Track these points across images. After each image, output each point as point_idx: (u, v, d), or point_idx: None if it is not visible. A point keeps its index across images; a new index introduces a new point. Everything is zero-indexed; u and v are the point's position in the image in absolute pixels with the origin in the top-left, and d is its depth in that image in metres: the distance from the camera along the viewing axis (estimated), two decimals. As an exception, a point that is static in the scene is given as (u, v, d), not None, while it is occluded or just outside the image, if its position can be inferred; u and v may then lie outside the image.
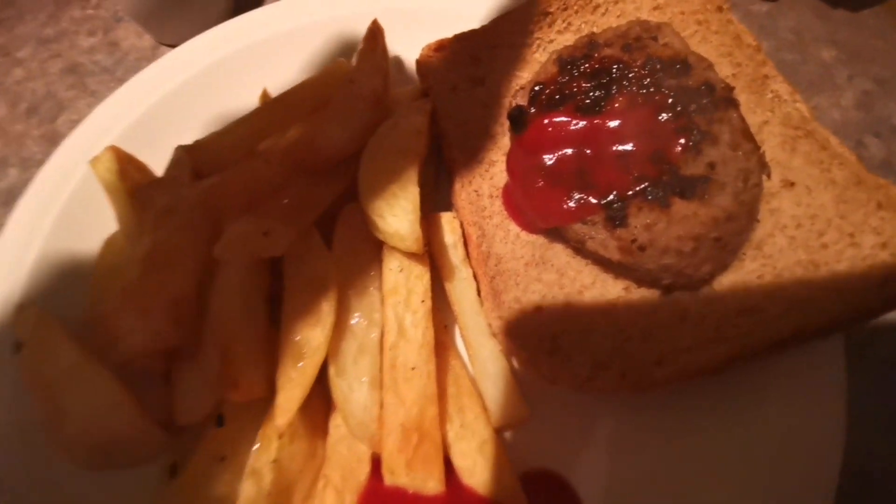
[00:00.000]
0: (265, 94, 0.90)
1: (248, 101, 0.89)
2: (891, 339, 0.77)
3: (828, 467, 0.58)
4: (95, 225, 0.78)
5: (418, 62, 0.85)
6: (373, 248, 0.70)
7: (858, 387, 0.73)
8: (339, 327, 0.64)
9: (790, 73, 0.92)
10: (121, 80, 1.12)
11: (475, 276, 0.72)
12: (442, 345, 0.68)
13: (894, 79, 1.11)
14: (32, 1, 1.33)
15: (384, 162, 0.68)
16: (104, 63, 1.17)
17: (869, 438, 0.71)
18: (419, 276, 0.67)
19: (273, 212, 0.67)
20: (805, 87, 1.08)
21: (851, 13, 1.16)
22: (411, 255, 0.68)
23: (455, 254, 0.72)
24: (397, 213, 0.63)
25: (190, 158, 0.65)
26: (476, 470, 0.59)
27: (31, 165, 1.04)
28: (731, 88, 0.62)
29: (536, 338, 0.65)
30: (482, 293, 0.71)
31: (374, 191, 0.65)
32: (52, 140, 1.06)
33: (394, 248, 0.69)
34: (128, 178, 0.75)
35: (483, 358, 0.66)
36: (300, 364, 0.60)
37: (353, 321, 0.65)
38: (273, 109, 0.77)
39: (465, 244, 0.74)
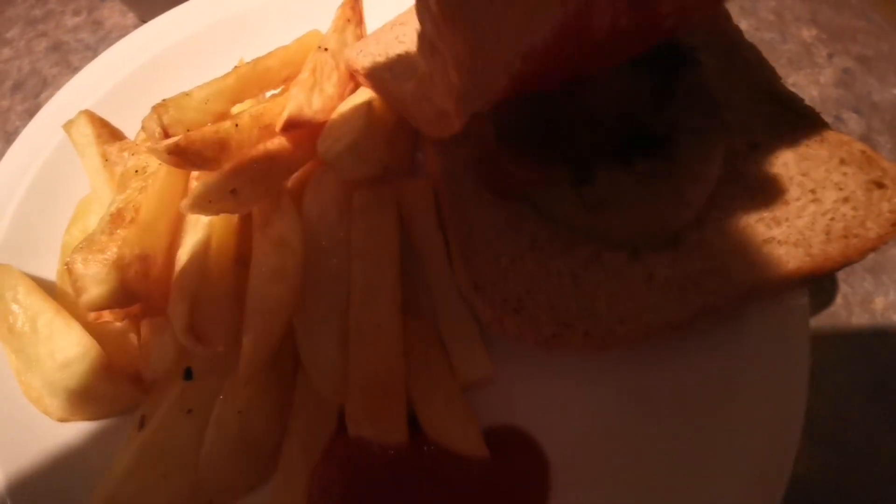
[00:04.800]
0: (242, 64, 0.90)
1: (224, 71, 0.89)
2: (866, 311, 0.77)
3: (791, 419, 0.58)
4: (71, 189, 0.79)
5: None
6: (341, 211, 0.71)
7: (835, 358, 0.74)
8: (307, 286, 0.65)
9: (769, 52, 0.92)
10: (104, 57, 1.14)
11: (446, 240, 0.72)
12: (410, 307, 0.68)
13: (876, 57, 1.11)
14: (21, -17, 1.34)
15: (349, 113, 0.69)
16: (88, 41, 1.17)
17: (846, 406, 0.72)
18: (388, 239, 0.68)
19: (241, 173, 0.68)
20: (784, 65, 1.08)
21: None
22: (381, 218, 0.68)
23: (426, 219, 0.73)
24: (345, 139, 0.64)
25: (157, 117, 0.66)
26: (440, 423, 0.60)
27: (14, 139, 1.03)
28: (694, 48, 0.63)
29: (502, 297, 0.65)
30: (452, 255, 0.71)
31: (342, 134, 0.66)
32: (35, 114, 1.06)
33: (363, 211, 0.69)
34: (101, 141, 0.75)
35: (451, 317, 0.67)
36: (267, 319, 0.60)
37: (320, 280, 0.66)
38: (244, 76, 0.77)
39: (437, 209, 0.74)
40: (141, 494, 0.57)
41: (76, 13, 1.23)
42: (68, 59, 1.15)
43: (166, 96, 0.85)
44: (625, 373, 0.64)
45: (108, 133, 0.78)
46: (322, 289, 0.65)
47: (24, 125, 1.06)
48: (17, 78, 1.13)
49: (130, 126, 0.83)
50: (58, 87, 1.10)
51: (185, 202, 0.63)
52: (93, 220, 0.74)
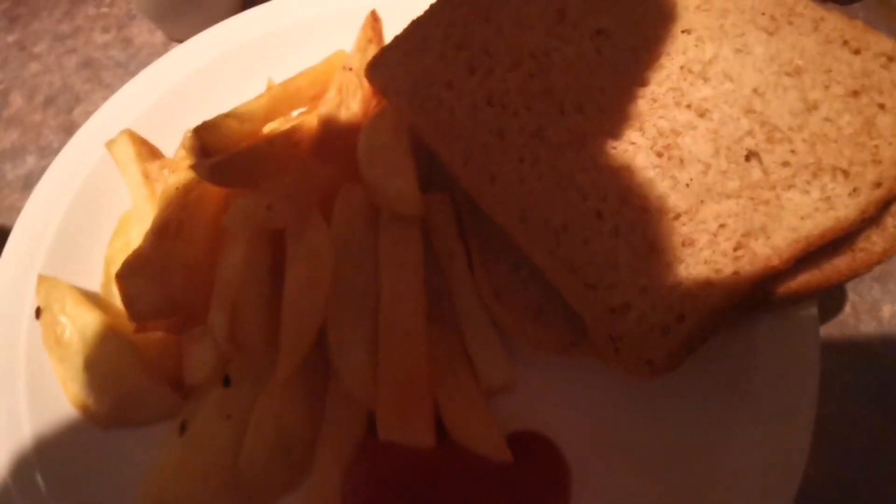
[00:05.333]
0: (271, 84, 0.95)
1: (254, 91, 0.94)
2: (873, 315, 0.80)
3: (802, 424, 0.61)
4: (111, 205, 0.83)
5: None
6: (368, 224, 0.74)
7: (843, 360, 0.76)
8: (337, 296, 0.68)
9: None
10: (133, 74, 1.18)
11: (467, 249, 0.76)
12: (434, 315, 0.72)
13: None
14: None
15: (381, 138, 0.73)
16: (118, 58, 1.22)
17: (853, 408, 0.74)
18: (413, 249, 0.71)
19: (276, 189, 0.72)
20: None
21: (840, 6, 1.19)
22: (405, 230, 0.72)
23: (448, 230, 0.76)
24: (397, 180, 0.68)
25: (198, 138, 0.70)
26: (464, 428, 0.63)
27: (48, 153, 1.09)
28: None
29: (523, 305, 0.68)
30: (474, 265, 0.75)
31: (374, 163, 0.70)
32: (69, 130, 1.12)
33: (389, 223, 0.73)
34: (142, 159, 0.80)
35: (473, 325, 0.70)
36: (300, 326, 0.64)
37: (350, 290, 0.69)
38: (276, 96, 0.81)
39: (459, 219, 0.78)
40: (184, 493, 0.60)
41: (105, 30, 1.28)
42: (100, 75, 1.20)
43: (199, 115, 0.90)
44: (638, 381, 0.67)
45: (148, 151, 0.82)
46: (352, 297, 0.69)
47: (58, 140, 1.12)
48: (49, 93, 1.18)
49: (165, 143, 0.88)
50: (90, 103, 1.16)
51: (225, 218, 0.67)
52: (134, 234, 0.78)
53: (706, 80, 0.61)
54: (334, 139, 0.77)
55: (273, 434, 0.62)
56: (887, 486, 0.70)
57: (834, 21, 0.61)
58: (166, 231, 0.67)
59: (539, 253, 0.61)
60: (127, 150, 0.80)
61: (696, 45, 0.64)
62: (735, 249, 0.54)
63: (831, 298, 0.80)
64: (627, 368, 0.56)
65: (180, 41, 1.22)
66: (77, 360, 0.67)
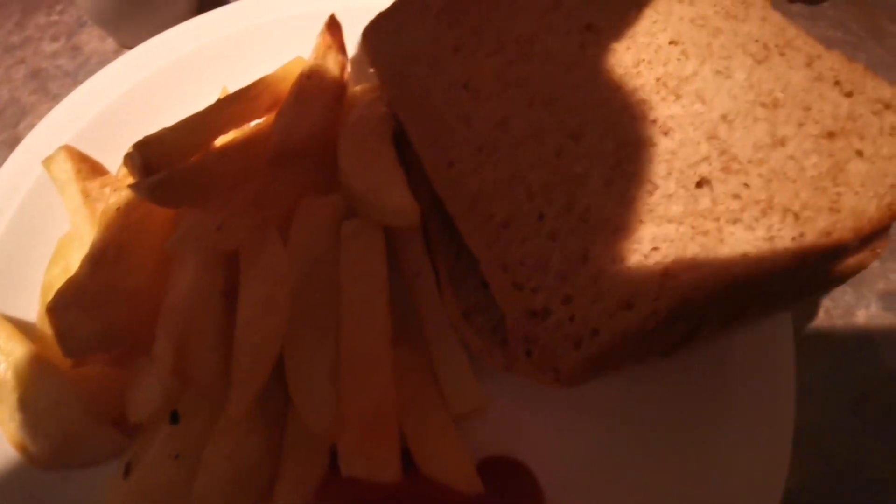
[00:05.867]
0: (225, 92, 0.90)
1: (207, 100, 0.89)
2: (850, 323, 0.78)
3: (781, 434, 0.59)
4: (51, 227, 0.78)
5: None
6: (329, 241, 0.70)
7: (820, 370, 0.75)
8: (296, 319, 0.64)
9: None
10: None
11: (434, 266, 0.72)
12: (400, 334, 0.68)
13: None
14: (1, 9, 1.32)
15: (364, 149, 0.70)
16: (66, 67, 1.16)
17: (832, 418, 0.73)
18: (377, 269, 0.67)
19: (227, 207, 0.67)
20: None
21: (809, 6, 1.18)
22: (369, 246, 0.68)
23: (414, 245, 0.73)
24: (390, 191, 0.65)
25: (140, 153, 0.65)
26: (433, 458, 0.59)
27: (-10, 171, 1.02)
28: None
29: (491, 326, 0.65)
30: (441, 282, 0.71)
31: (363, 176, 0.68)
32: (13, 145, 1.03)
33: (351, 238, 0.69)
34: (82, 177, 0.74)
35: (441, 347, 0.66)
36: (255, 355, 0.59)
37: (309, 312, 0.65)
38: (229, 105, 0.76)
39: (425, 234, 0.74)
40: (130, 543, 0.56)
41: (54, 39, 1.22)
42: (47, 86, 1.13)
43: (148, 126, 0.84)
44: (615, 397, 0.64)
45: (89, 168, 0.77)
46: (311, 321, 0.65)
47: (3, 156, 1.04)
48: (-5, 107, 1.11)
49: (112, 158, 0.82)
50: (37, 116, 1.09)
51: (170, 241, 0.62)
52: (74, 259, 0.72)
53: (678, 97, 0.59)
54: (294, 150, 0.73)
55: (227, 474, 0.58)
56: (867, 495, 0.69)
57: (832, 61, 0.57)
58: (104, 256, 0.62)
59: (478, 245, 0.60)
60: (65, 167, 0.75)
61: (679, 59, 0.61)
62: (662, 275, 0.51)
63: (804, 304, 0.79)
64: (534, 374, 0.54)
65: (131, 48, 1.16)
66: (12, 399, 0.61)
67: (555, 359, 0.54)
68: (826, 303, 0.79)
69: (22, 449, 0.62)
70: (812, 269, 0.53)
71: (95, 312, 0.58)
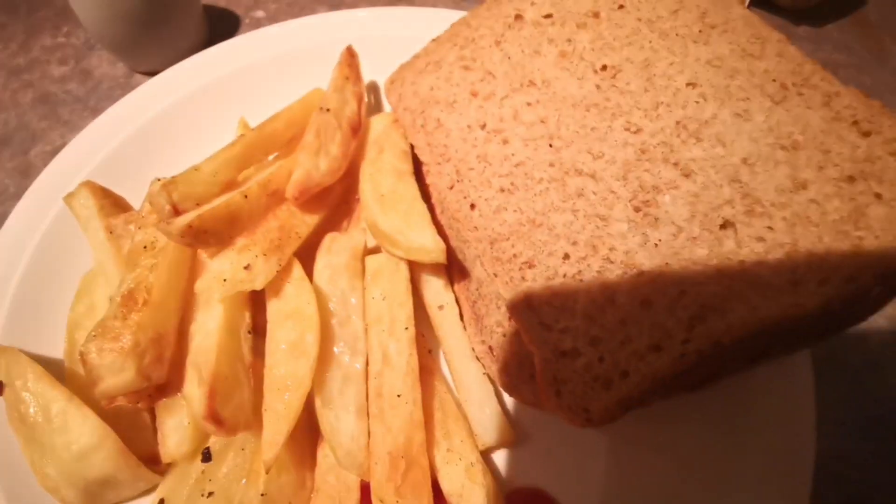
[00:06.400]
0: (243, 123, 0.90)
1: (225, 129, 0.90)
2: (860, 348, 0.80)
3: (802, 470, 0.60)
4: (72, 262, 0.78)
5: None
6: (354, 277, 0.71)
7: (833, 396, 0.76)
8: (323, 358, 0.65)
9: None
10: (94, 110, 1.12)
11: (457, 301, 0.73)
12: (427, 369, 0.69)
13: (859, 89, 1.16)
14: (2, 30, 1.31)
15: (386, 185, 0.71)
16: (76, 92, 1.16)
17: (845, 444, 0.74)
18: (402, 304, 0.68)
19: (253, 245, 0.68)
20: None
21: (815, 28, 1.20)
22: (395, 284, 0.69)
23: (437, 281, 0.74)
24: (416, 229, 0.67)
25: (166, 194, 0.65)
26: (464, 493, 0.60)
27: (4, 199, 1.02)
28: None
29: (517, 363, 0.67)
30: (465, 317, 0.72)
31: (387, 213, 0.69)
32: (25, 172, 1.05)
33: (376, 277, 0.70)
34: (105, 213, 0.75)
35: (468, 382, 0.68)
36: (285, 396, 0.60)
37: (336, 351, 0.66)
38: (250, 142, 0.77)
39: (449, 271, 0.76)
40: (167, 585, 0.56)
41: (62, 62, 1.21)
42: (57, 111, 1.13)
43: (168, 156, 0.86)
44: (639, 431, 0.65)
45: (111, 203, 0.77)
46: (338, 359, 0.66)
47: (14, 184, 1.05)
48: (4, 132, 1.11)
49: (133, 189, 0.83)
50: (48, 143, 1.09)
51: (199, 283, 0.63)
52: (98, 296, 0.73)
53: (699, 140, 0.60)
54: (314, 186, 0.74)
55: (260, 513, 0.58)
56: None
57: (849, 98, 0.59)
58: (133, 299, 0.62)
59: (503, 284, 0.61)
60: (87, 203, 0.75)
61: (698, 102, 0.62)
62: (691, 319, 0.53)
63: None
64: (564, 413, 0.55)
65: (144, 72, 1.17)
66: (44, 441, 0.62)
67: (585, 400, 0.55)
68: (837, 329, 0.81)
69: (54, 491, 0.63)
70: (836, 313, 0.54)
71: (129, 356, 0.59)
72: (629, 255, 0.58)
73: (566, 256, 0.60)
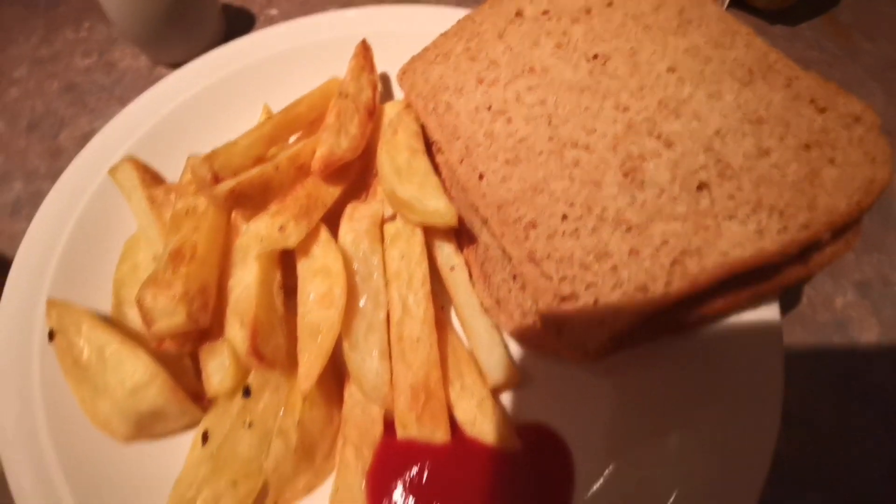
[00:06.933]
0: (267, 109, 0.99)
1: (250, 115, 0.98)
2: (828, 307, 0.90)
3: (771, 406, 0.68)
4: (113, 229, 0.85)
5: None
6: (374, 241, 0.79)
7: (802, 350, 0.86)
8: (349, 309, 0.73)
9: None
10: (119, 99, 1.20)
11: (466, 263, 0.82)
12: (440, 323, 0.77)
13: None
14: (22, 24, 1.38)
15: (402, 160, 0.79)
16: (102, 82, 1.23)
17: (813, 392, 0.83)
18: (418, 264, 0.77)
19: (285, 210, 0.76)
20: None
21: (790, 28, 1.27)
22: (412, 246, 0.78)
23: (448, 245, 0.82)
24: (431, 197, 0.75)
25: (209, 164, 0.73)
26: (476, 423, 0.69)
27: (35, 178, 1.09)
28: None
29: (522, 312, 0.75)
30: (473, 277, 0.81)
31: (404, 183, 0.77)
32: (56, 154, 1.12)
33: (395, 240, 0.79)
34: (146, 185, 0.82)
35: (477, 331, 0.76)
36: (318, 339, 0.68)
37: (361, 304, 0.74)
38: (278, 123, 0.85)
39: (458, 238, 0.84)
40: (213, 500, 0.63)
41: (86, 55, 1.29)
42: (84, 99, 1.20)
43: (196, 139, 0.94)
44: (630, 375, 0.74)
45: (150, 177, 0.85)
46: (362, 310, 0.74)
47: (45, 165, 1.12)
48: (32, 118, 1.18)
49: (164, 167, 0.91)
50: (76, 127, 1.16)
51: (240, 240, 0.71)
52: (141, 258, 0.80)
53: (678, 116, 0.70)
54: (337, 160, 0.82)
55: (296, 439, 0.66)
56: (848, 460, 0.79)
57: (808, 81, 0.68)
58: (182, 255, 0.70)
59: (508, 242, 0.71)
60: (130, 175, 0.83)
61: (677, 85, 0.72)
62: (672, 264, 0.62)
63: (788, 294, 0.90)
64: (565, 350, 0.65)
65: (165, 65, 1.24)
66: (97, 381, 0.68)
67: (583, 337, 0.64)
68: (808, 291, 0.91)
69: (105, 426, 0.70)
70: (796, 256, 0.64)
71: (179, 300, 0.66)
72: (619, 213, 0.67)
73: (564, 217, 0.70)
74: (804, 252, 0.65)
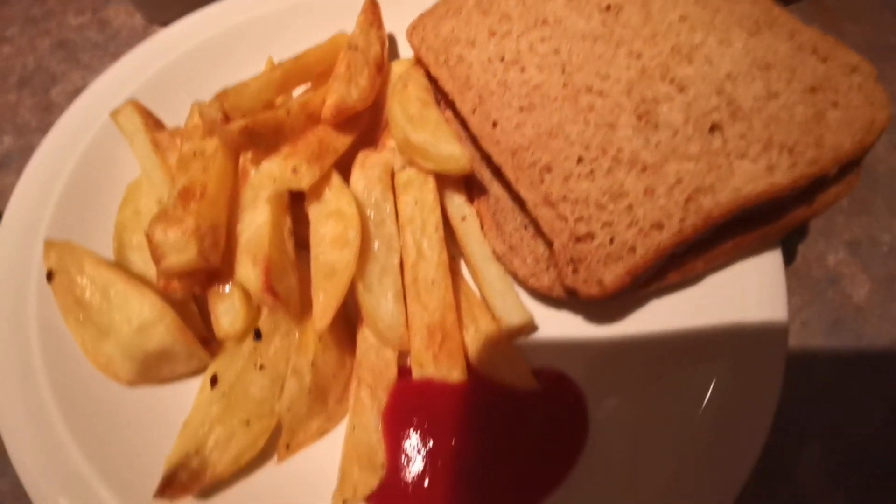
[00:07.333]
0: (271, 62, 0.97)
1: (253, 69, 0.96)
2: (821, 264, 0.92)
3: (776, 354, 0.69)
4: (112, 174, 0.83)
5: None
6: (386, 189, 0.79)
7: (797, 302, 0.88)
8: (363, 253, 0.72)
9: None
10: (114, 55, 1.16)
11: (478, 214, 0.82)
12: (451, 272, 0.77)
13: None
14: (12, -17, 1.33)
15: (413, 111, 0.79)
16: (95, 39, 1.19)
17: (810, 342, 0.86)
18: (432, 210, 0.76)
19: (297, 153, 0.74)
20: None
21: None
22: (424, 193, 0.77)
23: (458, 196, 0.82)
24: (445, 142, 0.75)
25: (220, 103, 0.72)
26: (492, 364, 0.68)
27: (26, 132, 1.05)
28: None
29: (535, 258, 0.76)
30: (484, 227, 0.81)
31: (417, 130, 0.76)
32: (47, 109, 1.08)
33: (407, 186, 0.78)
34: (150, 128, 0.80)
35: (490, 278, 0.76)
36: (333, 278, 0.67)
37: (374, 248, 0.73)
38: (287, 71, 0.83)
39: (468, 191, 0.84)
40: (226, 440, 0.62)
41: (79, 13, 1.25)
42: (77, 56, 1.16)
43: (196, 91, 0.91)
44: (641, 319, 0.74)
45: (154, 122, 0.82)
46: (376, 254, 0.73)
47: (36, 119, 1.08)
48: (23, 74, 1.14)
49: (164, 117, 0.88)
50: (69, 83, 1.13)
51: (253, 179, 0.69)
52: (144, 203, 0.78)
53: (690, 61, 0.71)
54: (348, 109, 0.81)
55: (310, 379, 0.65)
56: (846, 409, 0.81)
57: (809, 34, 0.71)
58: (192, 192, 0.68)
59: (523, 187, 0.72)
60: (133, 119, 0.80)
61: (688, 32, 0.74)
62: (686, 201, 0.64)
63: (785, 252, 0.93)
64: (581, 287, 0.66)
65: (160, 24, 1.21)
66: (101, 321, 0.66)
67: (599, 273, 0.65)
68: (802, 249, 0.93)
69: (107, 368, 0.67)
70: (803, 196, 0.66)
71: (190, 235, 0.64)
72: (634, 154, 0.68)
73: (580, 159, 0.70)
74: (810, 191, 0.67)
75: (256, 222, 0.71)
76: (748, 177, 0.63)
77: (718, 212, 0.62)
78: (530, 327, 0.74)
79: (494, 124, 0.76)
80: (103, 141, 0.84)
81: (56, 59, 1.16)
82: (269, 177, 0.70)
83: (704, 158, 0.65)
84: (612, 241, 0.66)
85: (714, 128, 0.67)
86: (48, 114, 1.07)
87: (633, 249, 0.65)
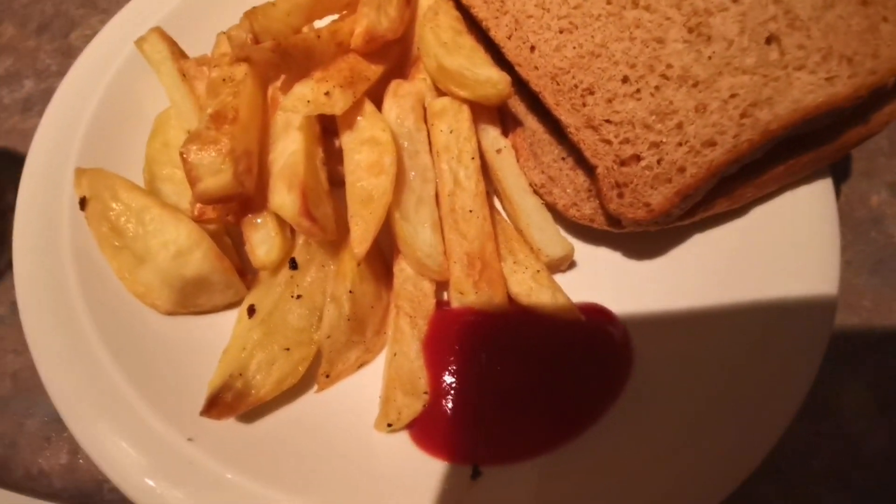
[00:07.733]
0: (295, -4, 0.93)
1: (277, 3, 0.93)
2: (863, 205, 0.89)
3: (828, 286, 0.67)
4: (140, 104, 0.81)
5: None
6: (419, 119, 0.76)
7: (845, 241, 0.85)
8: (398, 182, 0.69)
9: None
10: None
11: (514, 146, 0.79)
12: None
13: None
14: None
15: (446, 38, 0.75)
16: (113, -15, 1.16)
17: (856, 281, 0.83)
18: (468, 139, 0.73)
19: (330, 78, 0.72)
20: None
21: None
22: (459, 122, 0.74)
23: (493, 127, 0.79)
24: (481, 66, 0.71)
25: (249, 24, 0.69)
26: (533, 293, 0.67)
27: (47, 76, 1.03)
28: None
29: (575, 187, 0.73)
30: (521, 159, 0.78)
31: (452, 55, 0.73)
32: (67, 53, 1.06)
33: (440, 115, 0.75)
34: (176, 57, 0.78)
35: (527, 210, 0.73)
36: (371, 204, 0.65)
37: (410, 178, 0.71)
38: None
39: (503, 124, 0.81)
40: (268, 364, 0.61)
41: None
42: (95, 1, 1.13)
43: (219, 25, 0.88)
44: (684, 252, 0.72)
45: (179, 51, 0.80)
46: (411, 183, 0.71)
47: (56, 63, 1.06)
48: (42, 20, 1.11)
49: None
50: (88, 27, 1.10)
51: (285, 102, 0.67)
52: (173, 134, 0.76)
53: None
54: (378, 37, 0.78)
55: (348, 308, 0.63)
56: (888, 341, 0.79)
57: None
58: (224, 117, 0.66)
59: (565, 111, 0.69)
60: (159, 47, 0.78)
61: None
62: (741, 116, 0.61)
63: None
64: (626, 210, 0.64)
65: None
66: (137, 246, 0.65)
67: (646, 196, 0.63)
68: (844, 189, 0.90)
69: (146, 297, 0.67)
70: (859, 109, 0.62)
71: (226, 156, 0.62)
72: (685, 69, 0.64)
73: (625, 79, 0.67)
74: (865, 108, 0.64)
75: (289, 150, 0.69)
76: (808, 88, 0.60)
77: (777, 125, 0.59)
78: (570, 256, 0.71)
79: (532, 49, 0.73)
80: (129, 72, 0.82)
81: (75, 4, 1.13)
82: (301, 100, 0.68)
83: (761, 71, 0.62)
84: (659, 161, 0.63)
85: (771, 38, 0.63)
86: (68, 58, 1.05)
87: (682, 169, 0.62)
